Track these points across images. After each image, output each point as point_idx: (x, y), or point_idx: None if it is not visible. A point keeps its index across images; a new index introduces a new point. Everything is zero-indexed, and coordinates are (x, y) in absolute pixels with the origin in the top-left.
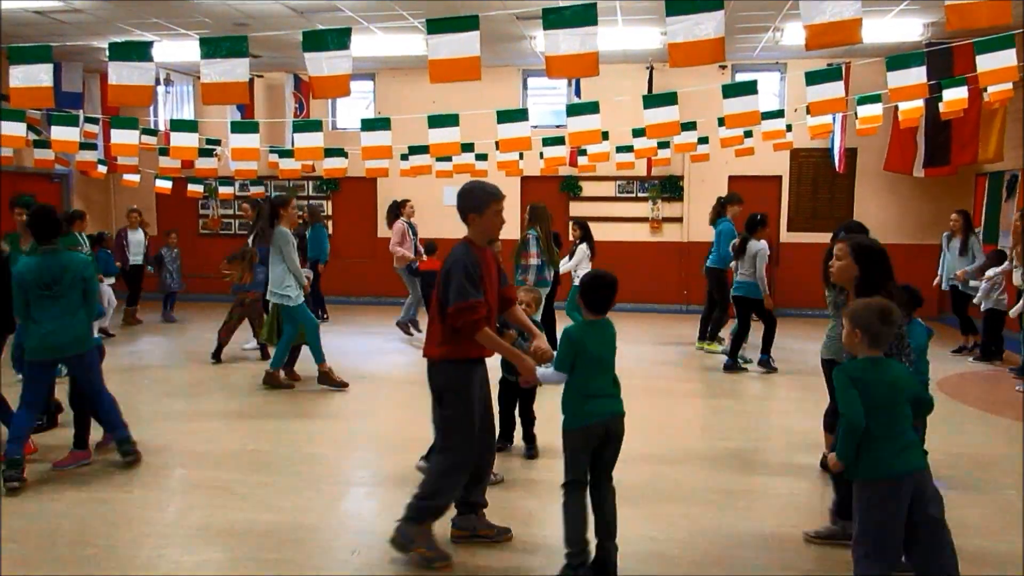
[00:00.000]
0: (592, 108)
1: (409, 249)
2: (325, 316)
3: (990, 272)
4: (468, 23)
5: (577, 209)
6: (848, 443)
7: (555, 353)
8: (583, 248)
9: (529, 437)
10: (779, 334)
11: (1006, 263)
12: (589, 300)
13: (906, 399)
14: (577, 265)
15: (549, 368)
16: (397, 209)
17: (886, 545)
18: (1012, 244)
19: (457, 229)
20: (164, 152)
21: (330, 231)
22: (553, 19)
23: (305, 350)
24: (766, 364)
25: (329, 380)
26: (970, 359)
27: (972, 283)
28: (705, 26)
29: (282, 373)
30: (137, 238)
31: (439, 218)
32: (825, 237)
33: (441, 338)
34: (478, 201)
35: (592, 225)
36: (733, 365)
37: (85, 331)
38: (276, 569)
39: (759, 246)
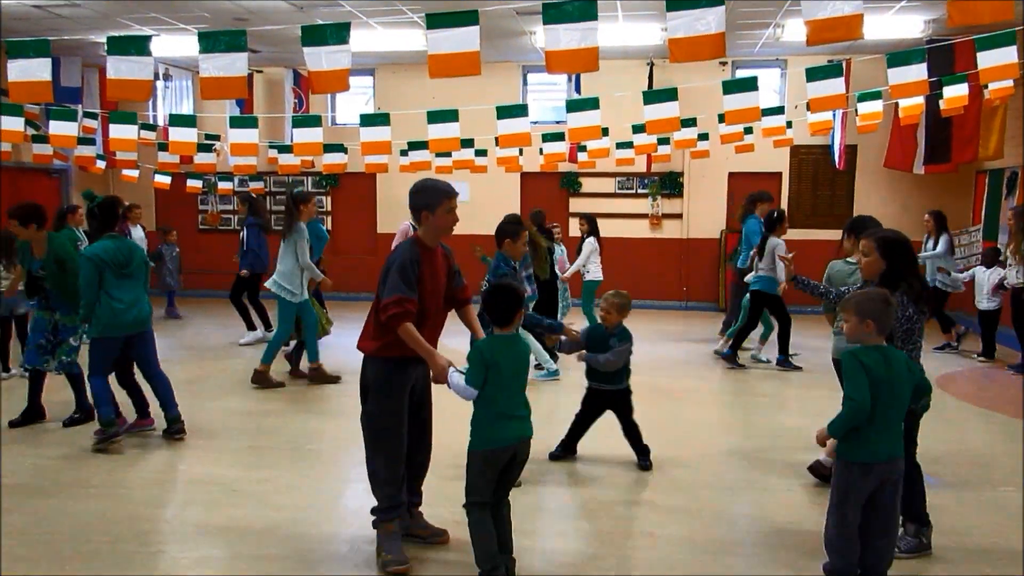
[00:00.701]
0: (592, 104)
1: None
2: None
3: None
4: (468, 18)
5: (577, 205)
6: (847, 424)
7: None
8: (591, 242)
9: (641, 450)
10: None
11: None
12: (492, 314)
13: (908, 387)
14: (586, 260)
15: (460, 377)
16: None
17: (853, 521)
18: (1008, 241)
19: (457, 226)
20: (163, 147)
21: (329, 227)
22: (553, 14)
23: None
24: (786, 364)
25: (321, 377)
26: (975, 355)
27: (954, 275)
28: (706, 21)
29: (271, 372)
30: (138, 234)
31: None
32: (825, 234)
33: (374, 333)
34: (430, 199)
35: None
36: (732, 356)
37: (151, 310)
38: (275, 566)
39: (776, 241)
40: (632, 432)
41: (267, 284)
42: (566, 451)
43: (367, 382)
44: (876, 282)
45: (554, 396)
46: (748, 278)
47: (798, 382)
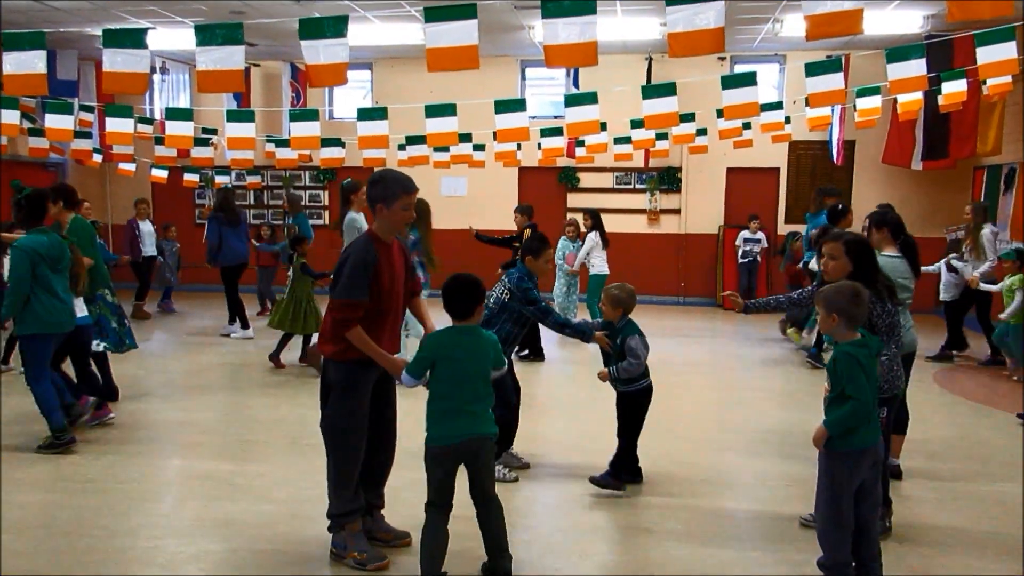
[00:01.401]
0: (591, 99)
1: None
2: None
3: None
4: (466, 11)
5: (575, 200)
6: (852, 423)
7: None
8: (592, 237)
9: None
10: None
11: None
12: (449, 306)
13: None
14: (588, 254)
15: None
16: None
17: (847, 513)
18: (964, 236)
19: (454, 220)
20: (160, 141)
21: (326, 221)
22: (552, 8)
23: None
24: (817, 359)
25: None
26: (941, 347)
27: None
28: (705, 16)
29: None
30: (147, 228)
31: (436, 209)
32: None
33: (333, 335)
34: (387, 192)
35: None
36: (818, 355)
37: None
38: (272, 559)
39: None
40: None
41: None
42: (634, 475)
43: (329, 384)
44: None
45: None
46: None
47: (798, 377)
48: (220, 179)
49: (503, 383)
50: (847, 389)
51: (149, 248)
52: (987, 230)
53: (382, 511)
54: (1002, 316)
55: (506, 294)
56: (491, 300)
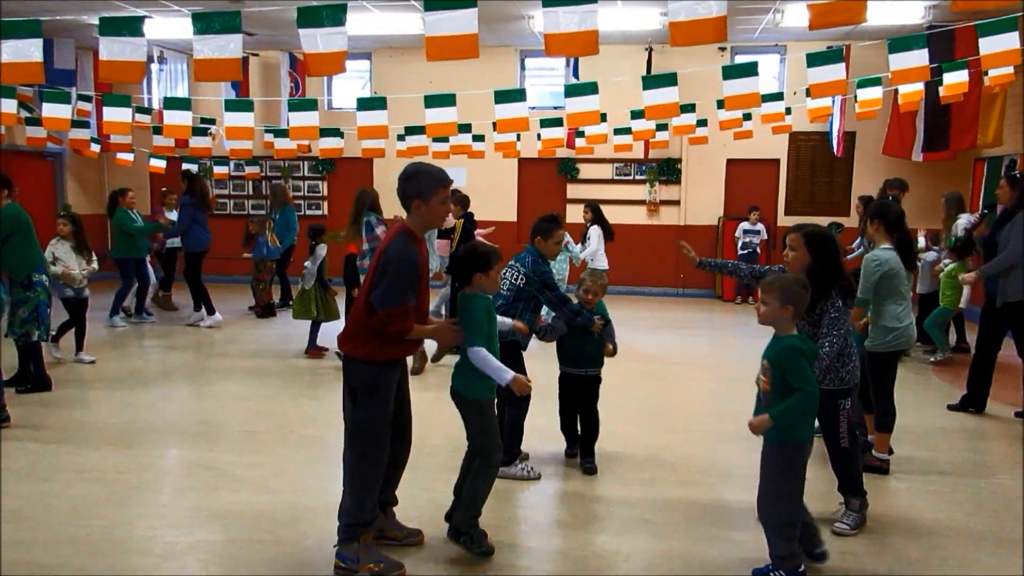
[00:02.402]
0: (591, 89)
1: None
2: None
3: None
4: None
5: (574, 192)
6: (803, 414)
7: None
8: (596, 231)
9: (589, 450)
10: None
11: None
12: (460, 272)
13: None
14: (595, 252)
15: (485, 353)
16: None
17: (799, 505)
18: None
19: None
20: (158, 131)
21: (325, 212)
22: None
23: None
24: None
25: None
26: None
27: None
28: (707, 5)
29: None
30: (173, 218)
31: None
32: (822, 221)
33: (365, 336)
34: (424, 187)
35: None
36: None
37: None
38: (270, 550)
39: None
40: (590, 428)
41: None
42: (574, 444)
43: (355, 385)
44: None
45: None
46: None
47: None
48: (219, 169)
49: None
50: (793, 381)
51: (173, 239)
52: (963, 220)
53: (394, 508)
54: (961, 304)
55: (521, 279)
56: (504, 287)
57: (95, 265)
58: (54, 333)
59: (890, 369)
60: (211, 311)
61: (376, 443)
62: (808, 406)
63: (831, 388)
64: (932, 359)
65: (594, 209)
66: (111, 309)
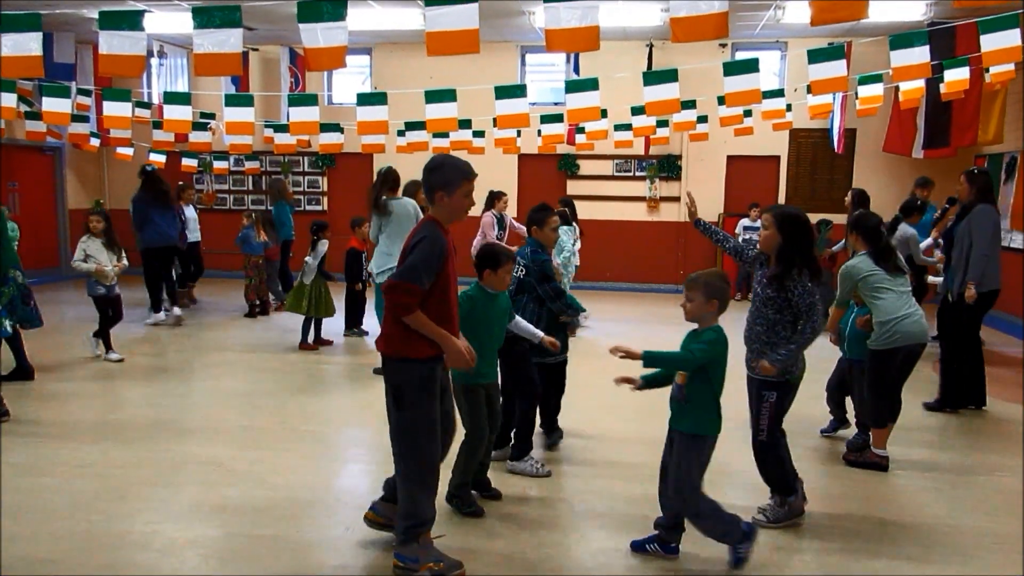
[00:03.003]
0: (591, 85)
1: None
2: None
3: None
4: None
5: (574, 188)
6: (668, 361)
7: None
8: (566, 231)
9: (553, 427)
10: None
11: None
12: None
13: None
14: (572, 251)
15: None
16: (492, 200)
17: (698, 490)
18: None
19: None
20: (158, 125)
21: (324, 207)
22: None
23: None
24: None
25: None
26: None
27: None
28: (708, 1)
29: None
30: (191, 214)
31: None
32: (823, 218)
33: (399, 333)
34: (448, 179)
35: (589, 204)
36: None
37: None
38: (270, 545)
39: (908, 230)
40: (556, 408)
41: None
42: (551, 431)
43: (395, 385)
44: (773, 256)
45: None
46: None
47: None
48: (218, 164)
49: (527, 375)
50: (697, 353)
51: (194, 233)
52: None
53: None
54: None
55: (521, 270)
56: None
57: (125, 262)
58: (90, 332)
59: (888, 367)
60: (156, 308)
61: (424, 442)
62: (679, 364)
63: (758, 377)
64: None
65: (570, 205)
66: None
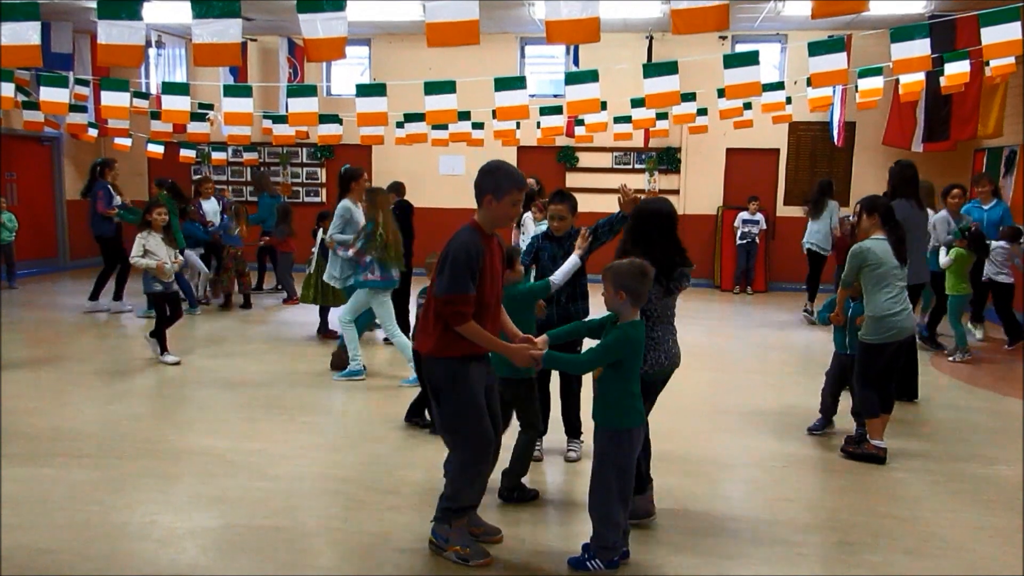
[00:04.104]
0: (591, 77)
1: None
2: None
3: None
4: None
5: (574, 180)
6: (565, 363)
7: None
8: (529, 217)
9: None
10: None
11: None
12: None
13: None
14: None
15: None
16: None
17: (631, 486)
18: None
19: (452, 199)
20: (156, 116)
21: (323, 199)
22: None
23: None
24: (930, 342)
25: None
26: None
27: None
28: None
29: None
30: (212, 207)
31: (434, 187)
32: None
33: (435, 332)
34: (499, 185)
35: (588, 197)
36: (931, 338)
37: None
38: (269, 536)
39: (940, 213)
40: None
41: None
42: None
43: (435, 384)
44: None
45: None
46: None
47: (795, 359)
48: (217, 155)
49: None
50: (595, 356)
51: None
52: (943, 214)
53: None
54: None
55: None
56: None
57: (182, 258)
58: (148, 333)
59: (878, 360)
60: (94, 297)
61: (470, 431)
62: (574, 368)
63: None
64: (951, 359)
65: (530, 196)
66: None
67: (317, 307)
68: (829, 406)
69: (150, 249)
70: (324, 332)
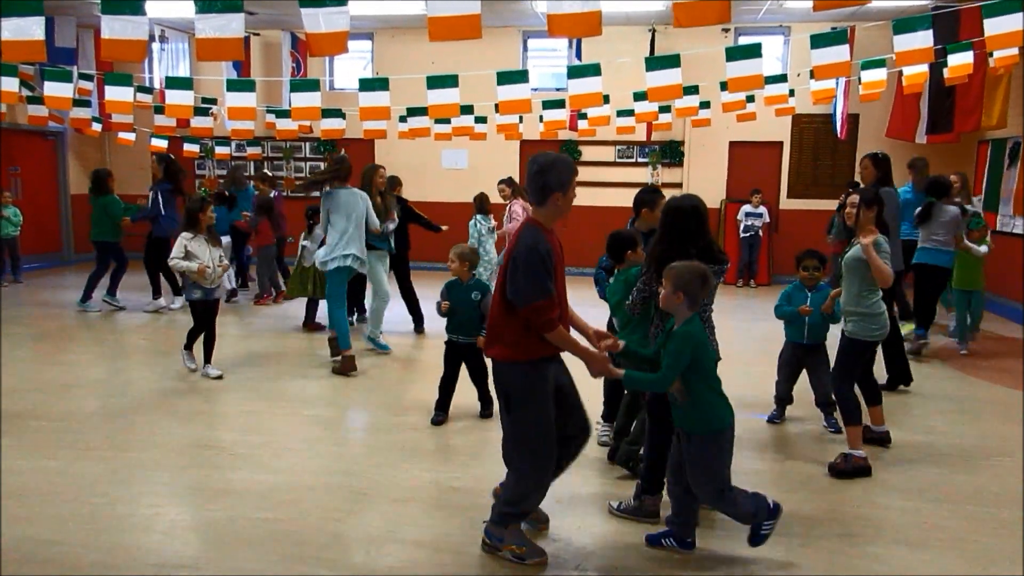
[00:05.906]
0: (593, 70)
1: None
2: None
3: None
4: None
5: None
6: (646, 383)
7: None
8: (521, 205)
9: (486, 399)
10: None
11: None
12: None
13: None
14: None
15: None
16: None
17: (729, 481)
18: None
19: (455, 193)
20: (159, 110)
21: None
22: None
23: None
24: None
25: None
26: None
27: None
28: None
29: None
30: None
31: (436, 181)
32: (825, 204)
33: (507, 337)
34: (564, 178)
35: (591, 191)
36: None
37: None
38: (272, 528)
39: (953, 210)
40: (481, 378)
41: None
42: (443, 412)
43: (506, 389)
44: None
45: None
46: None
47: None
48: (220, 150)
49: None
50: (668, 364)
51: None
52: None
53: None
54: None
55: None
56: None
57: (226, 261)
58: (184, 343)
59: (865, 356)
60: (157, 294)
61: (537, 444)
62: (655, 387)
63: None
64: (963, 352)
65: (513, 185)
66: (83, 295)
67: (305, 300)
68: (784, 395)
69: (193, 251)
70: (310, 324)
